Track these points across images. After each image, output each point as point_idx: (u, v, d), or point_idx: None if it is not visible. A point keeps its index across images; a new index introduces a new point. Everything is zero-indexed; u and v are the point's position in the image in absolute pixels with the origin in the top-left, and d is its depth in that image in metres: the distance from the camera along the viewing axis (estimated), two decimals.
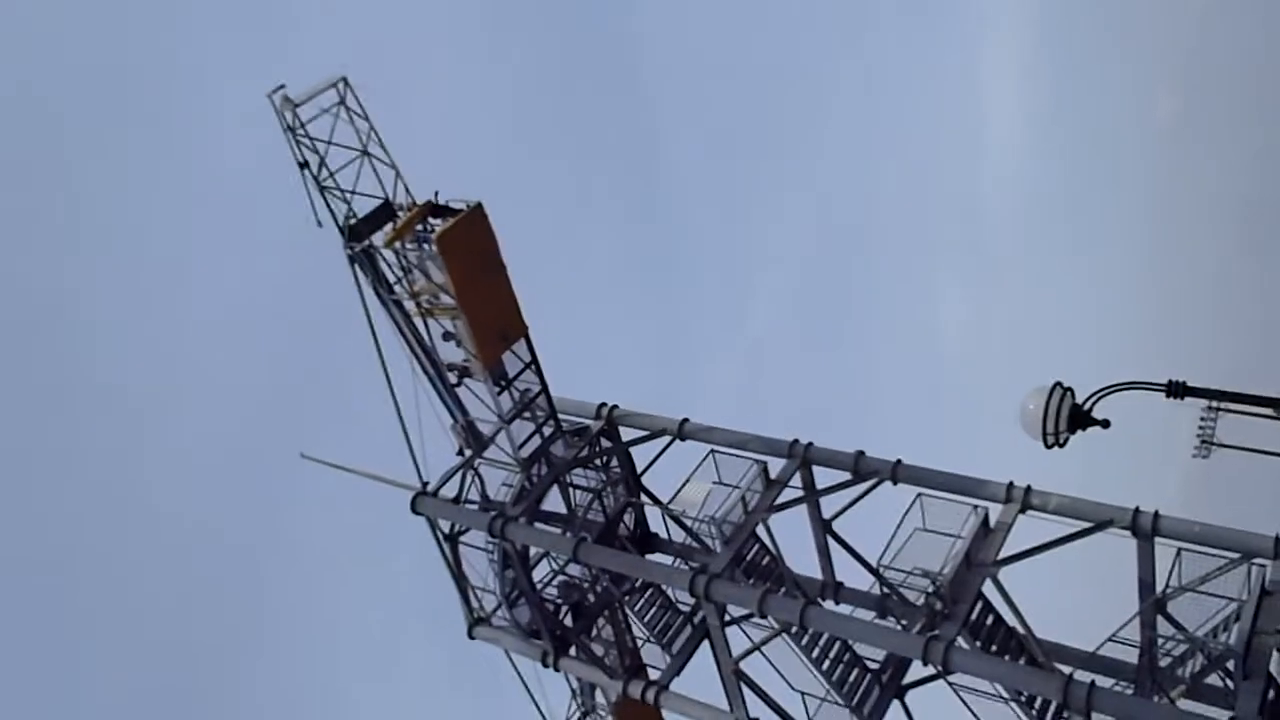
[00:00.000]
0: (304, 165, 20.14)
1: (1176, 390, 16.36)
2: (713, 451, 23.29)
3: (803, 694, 20.99)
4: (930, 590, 19.57)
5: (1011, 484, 21.10)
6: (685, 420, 23.99)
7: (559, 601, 24.28)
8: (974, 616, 20.15)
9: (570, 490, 24.51)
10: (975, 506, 21.04)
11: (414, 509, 23.49)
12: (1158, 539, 19.75)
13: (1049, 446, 17.66)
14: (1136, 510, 19.83)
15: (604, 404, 24.65)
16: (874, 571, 21.40)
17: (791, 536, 23.12)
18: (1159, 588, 19.43)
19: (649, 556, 25.10)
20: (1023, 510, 20.92)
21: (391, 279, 21.20)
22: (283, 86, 19.69)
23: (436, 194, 20.83)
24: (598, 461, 24.56)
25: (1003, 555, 20.34)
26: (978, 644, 20.15)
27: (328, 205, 20.46)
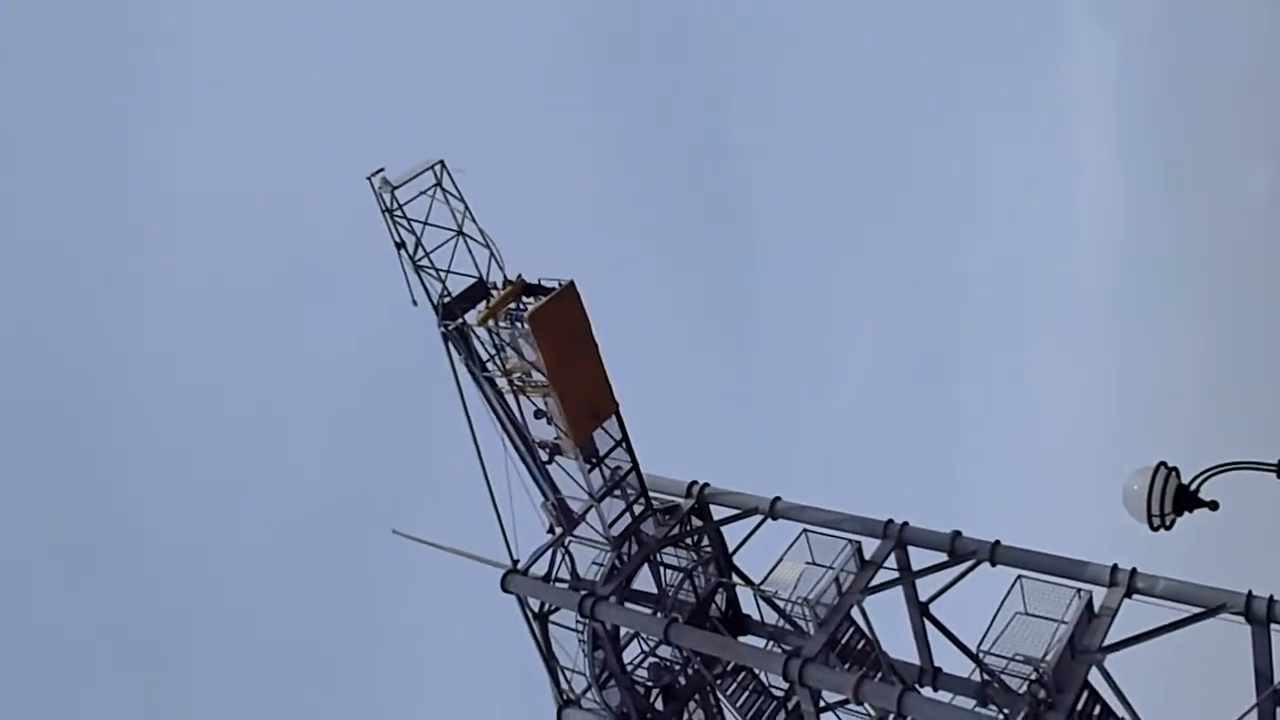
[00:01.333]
0: (400, 245, 20.61)
1: None
2: (805, 531, 22.98)
3: None
4: (1033, 677, 18.96)
5: (1116, 566, 20.45)
6: (777, 499, 23.75)
7: (650, 684, 23.97)
8: (1080, 706, 19.47)
9: (661, 569, 24.30)
10: (1078, 590, 20.42)
11: (504, 587, 23.47)
12: (1274, 626, 18.94)
13: (1154, 529, 17.07)
14: (1250, 595, 19.07)
15: (694, 482, 24.51)
16: (974, 657, 20.78)
17: (887, 619, 22.63)
18: (1277, 677, 18.59)
19: (741, 638, 24.69)
20: (1128, 594, 20.25)
21: (484, 356, 21.44)
22: (381, 170, 20.23)
23: (520, 276, 21.16)
24: (689, 540, 24.37)
25: (1109, 641, 19.67)
26: None
27: (423, 284, 20.87)
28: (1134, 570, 20.32)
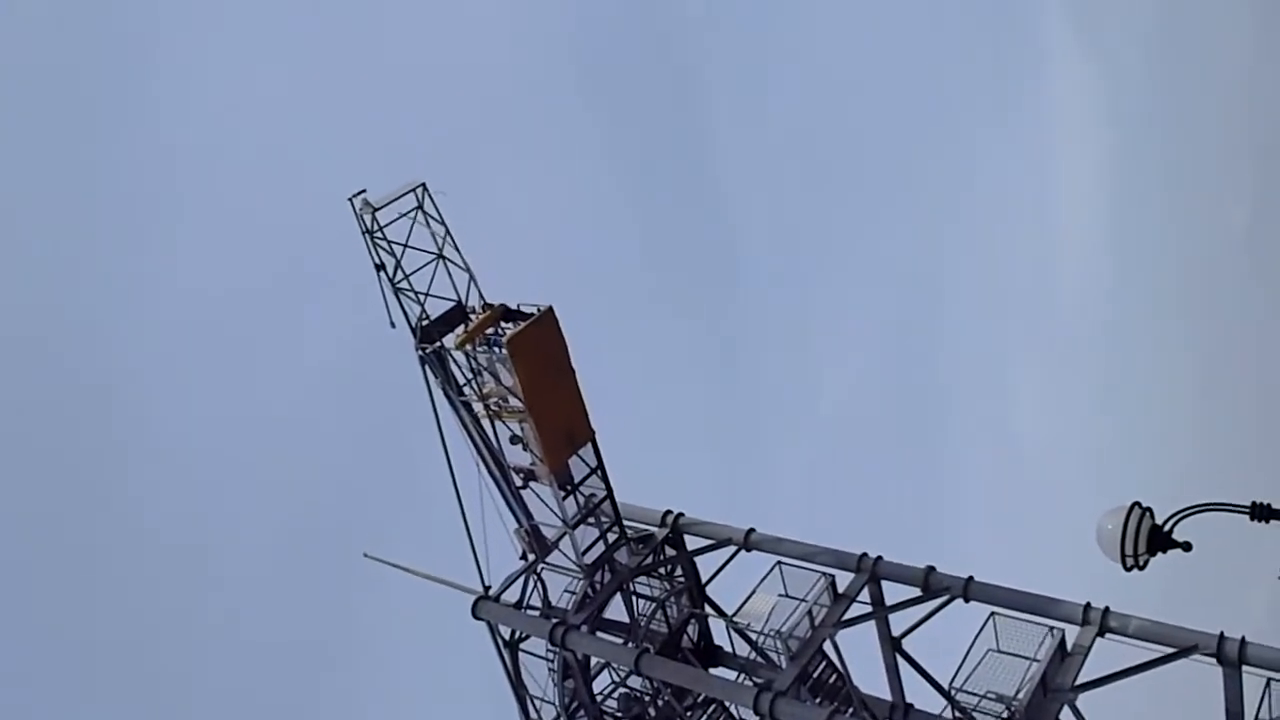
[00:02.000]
0: (380, 267, 20.53)
1: (1262, 513, 15.75)
2: (779, 563, 22.91)
3: None
4: (1005, 715, 18.93)
5: (1089, 605, 20.42)
6: (751, 530, 23.65)
7: (619, 715, 23.76)
8: None
9: (633, 599, 24.16)
10: (1051, 628, 20.41)
11: (475, 614, 23.27)
12: (1245, 668, 18.93)
13: (1128, 569, 17.07)
14: (1222, 636, 19.05)
15: (669, 511, 24.40)
16: (945, 694, 20.71)
17: (859, 654, 22.53)
18: (1248, 719, 18.56)
19: (712, 670, 24.55)
20: (1101, 633, 20.22)
21: (461, 380, 21.33)
22: (363, 191, 20.16)
23: (502, 304, 21.09)
24: (662, 570, 24.23)
25: (1081, 680, 19.62)
26: None
27: (401, 306, 20.77)
28: (1106, 609, 20.30)
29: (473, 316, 21.13)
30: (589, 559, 22.58)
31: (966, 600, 21.27)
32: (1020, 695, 19.07)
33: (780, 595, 22.44)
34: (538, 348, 20.47)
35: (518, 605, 23.20)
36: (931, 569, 21.70)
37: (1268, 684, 18.47)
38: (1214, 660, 19.10)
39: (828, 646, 21.87)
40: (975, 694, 19.47)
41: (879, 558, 22.25)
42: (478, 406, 21.40)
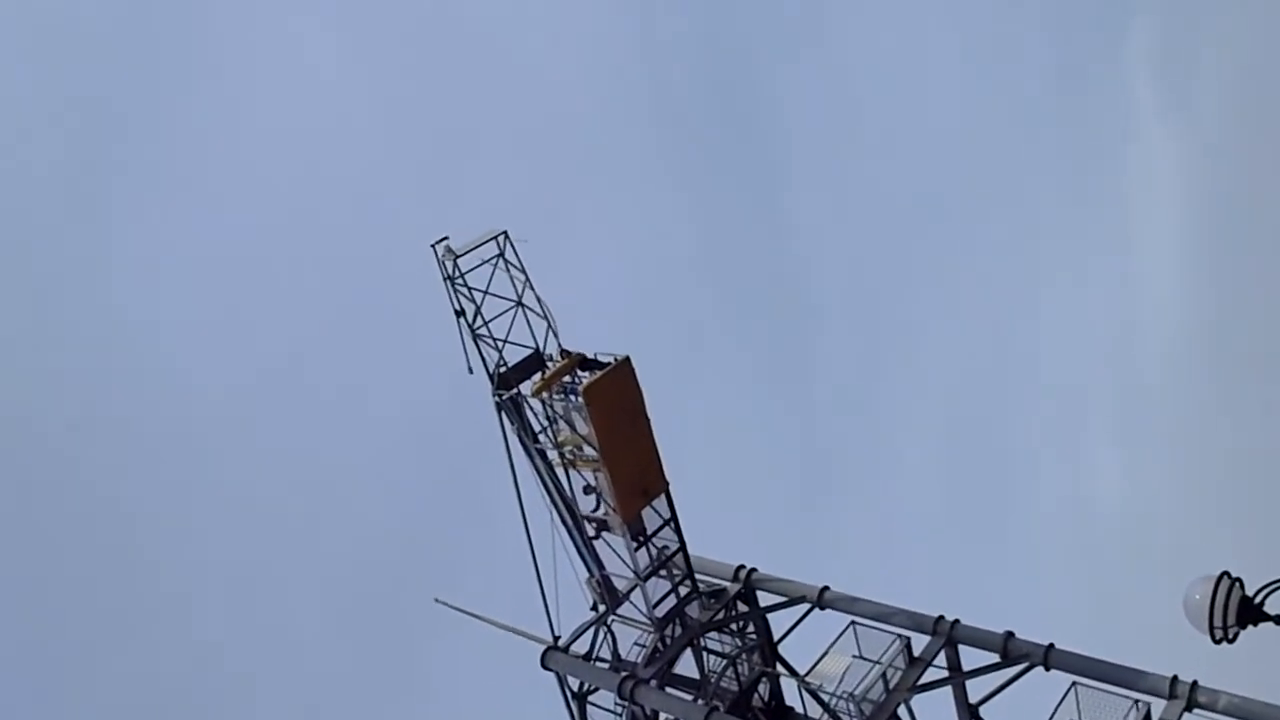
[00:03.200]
0: (460, 313, 20.72)
1: None
2: (853, 623, 22.48)
3: None
4: None
5: (1176, 678, 19.73)
6: (825, 588, 23.27)
7: None
8: None
9: (704, 655, 23.85)
10: (1136, 701, 19.77)
11: (544, 664, 23.15)
12: None
13: (1216, 641, 16.48)
14: None
15: (742, 566, 24.12)
16: None
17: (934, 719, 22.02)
18: None
19: None
20: (1189, 708, 19.53)
21: (537, 428, 21.37)
22: (446, 238, 20.41)
23: (577, 353, 21.13)
24: (733, 626, 23.91)
25: None
26: None
27: (480, 352, 20.91)
28: (1195, 683, 19.60)
29: (550, 364, 21.21)
30: (660, 612, 22.38)
31: (1047, 668, 20.71)
32: None
33: (854, 656, 22.02)
34: (613, 397, 20.46)
35: (587, 657, 23.04)
36: (1010, 634, 21.17)
37: None
38: None
39: (902, 711, 21.39)
40: None
41: (956, 621, 21.76)
42: (552, 454, 21.42)
